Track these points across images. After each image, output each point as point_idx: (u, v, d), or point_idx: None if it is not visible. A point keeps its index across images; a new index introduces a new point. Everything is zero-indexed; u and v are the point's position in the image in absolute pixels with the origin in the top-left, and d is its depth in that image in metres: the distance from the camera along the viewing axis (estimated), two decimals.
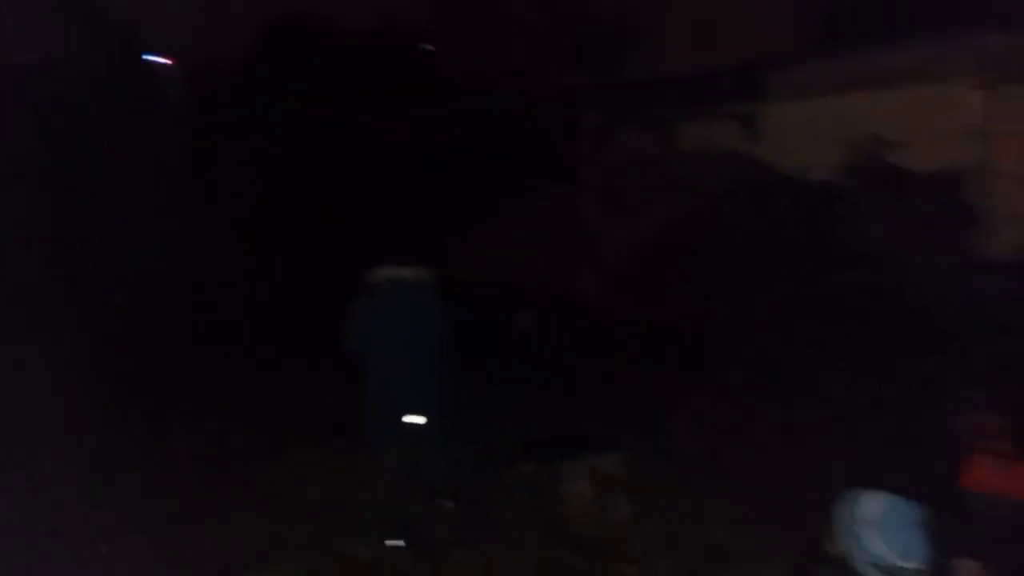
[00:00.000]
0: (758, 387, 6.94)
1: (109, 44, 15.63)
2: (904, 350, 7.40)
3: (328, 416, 6.49)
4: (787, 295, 9.30)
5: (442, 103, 15.76)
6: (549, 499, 4.82)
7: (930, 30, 10.48)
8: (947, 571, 2.26)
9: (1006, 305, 8.30)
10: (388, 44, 19.87)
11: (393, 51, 19.49)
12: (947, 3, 11.01)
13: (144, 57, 17.90)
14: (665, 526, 4.69)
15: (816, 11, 17.93)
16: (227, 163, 12.98)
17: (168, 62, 19.95)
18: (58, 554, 4.40)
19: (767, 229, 9.75)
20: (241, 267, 10.79)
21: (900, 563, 2.15)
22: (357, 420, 4.43)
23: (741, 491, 5.09)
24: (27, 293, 9.23)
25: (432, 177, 12.57)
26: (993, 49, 9.90)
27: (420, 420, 4.31)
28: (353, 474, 5.15)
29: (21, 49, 15.00)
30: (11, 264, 9.49)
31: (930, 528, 2.19)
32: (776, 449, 5.77)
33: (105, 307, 9.13)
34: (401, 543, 4.37)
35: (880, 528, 2.19)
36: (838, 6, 16.14)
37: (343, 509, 4.98)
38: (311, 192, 12.94)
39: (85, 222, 10.82)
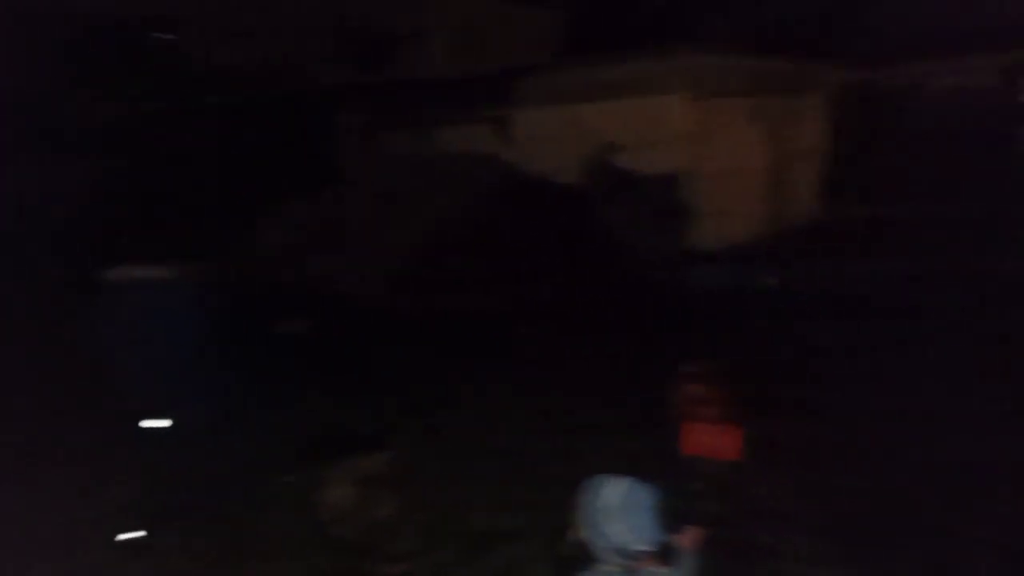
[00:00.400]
0: (517, 376, 7.52)
1: None
2: (638, 334, 8.43)
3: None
4: (540, 288, 10.10)
5: (194, 98, 14.85)
6: (313, 506, 4.92)
7: (649, 48, 11.85)
8: (672, 544, 2.37)
9: (716, 289, 9.77)
10: (131, 34, 18.22)
11: (137, 42, 17.93)
12: (662, 26, 12.54)
13: None
14: (431, 519, 4.97)
15: (559, 25, 19.45)
16: None
17: None
18: None
19: (518, 228, 10.50)
20: None
21: (635, 546, 2.25)
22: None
23: (506, 477, 5.51)
24: None
25: (188, 175, 11.89)
26: (699, 66, 11.46)
27: (164, 424, 4.24)
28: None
29: None
30: None
31: (663, 507, 2.31)
32: (534, 434, 6.30)
33: None
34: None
35: (617, 513, 2.27)
36: (578, 22, 17.57)
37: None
38: (47, 188, 11.65)
39: None
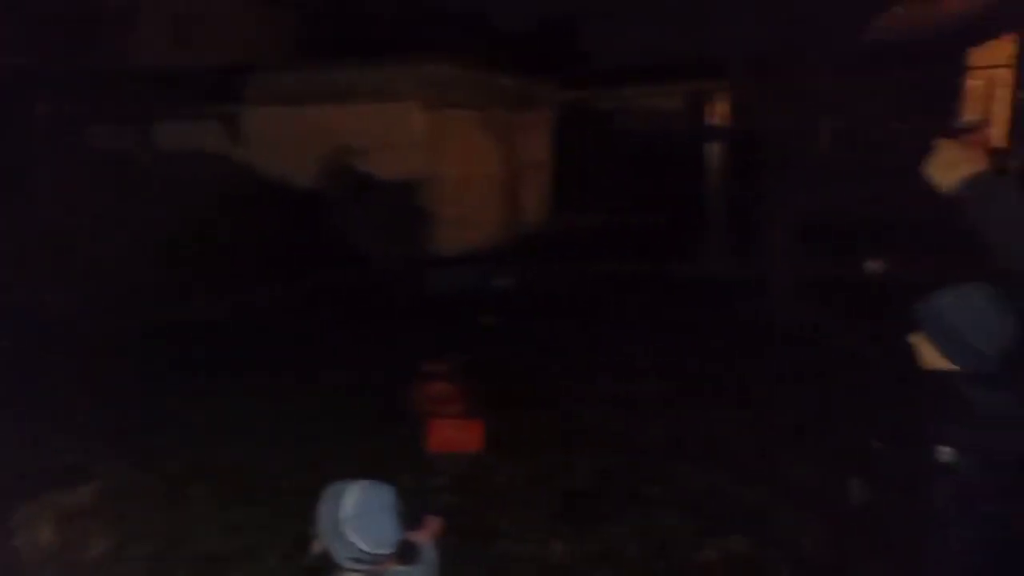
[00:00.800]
0: (242, 389, 7.09)
1: None
2: (375, 336, 8.42)
3: None
4: (271, 294, 9.69)
5: None
6: (10, 551, 4.26)
7: (387, 55, 11.95)
8: (411, 541, 2.36)
9: (453, 291, 10.07)
10: None
11: None
12: (400, 34, 12.69)
13: None
14: (154, 549, 4.54)
15: (296, 24, 18.84)
16: None
17: None
18: None
19: (254, 232, 9.97)
20: None
21: (374, 551, 2.22)
22: None
23: (230, 496, 5.18)
24: None
25: None
26: (434, 76, 11.77)
27: None
28: None
29: None
30: None
31: (402, 505, 2.31)
32: (267, 445, 5.98)
33: None
34: None
35: (355, 520, 2.22)
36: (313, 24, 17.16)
37: None
38: None
39: None
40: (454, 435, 5.42)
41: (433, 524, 2.60)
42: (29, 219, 10.05)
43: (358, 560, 2.23)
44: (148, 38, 15.98)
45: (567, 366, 7.52)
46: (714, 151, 12.73)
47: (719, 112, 13.42)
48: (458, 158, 11.76)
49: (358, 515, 2.23)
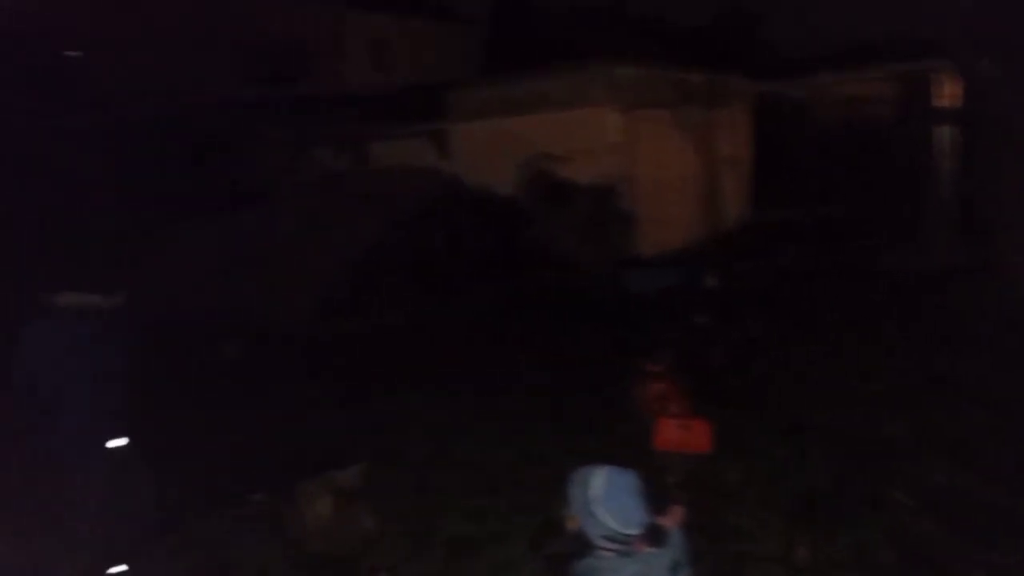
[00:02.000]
0: (471, 387, 7.52)
1: None
2: (583, 337, 8.59)
3: None
4: (483, 298, 10.16)
5: (109, 115, 14.22)
6: (288, 524, 4.81)
7: (573, 62, 12.16)
8: (659, 525, 2.46)
9: (657, 292, 10.05)
10: (37, 50, 17.28)
11: (45, 58, 17.03)
12: (585, 42, 12.89)
13: None
14: (411, 529, 4.95)
15: (477, 42, 19.74)
16: None
17: None
18: None
19: (462, 240, 10.55)
20: None
21: (624, 531, 2.36)
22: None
23: (476, 483, 5.53)
24: None
25: (107, 197, 11.35)
26: (625, 78, 11.82)
27: (118, 444, 4.13)
28: None
29: None
30: None
31: (644, 493, 2.42)
32: (496, 440, 6.32)
33: None
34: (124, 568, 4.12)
35: (605, 501, 2.36)
36: (499, 39, 17.87)
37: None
38: None
39: None
40: (682, 435, 5.42)
41: (677, 512, 2.66)
42: (265, 233, 11.30)
43: (610, 539, 2.35)
44: (354, 64, 17.44)
45: (787, 364, 7.29)
46: (931, 138, 11.77)
47: (937, 96, 12.38)
48: (655, 159, 11.73)
49: (607, 496, 2.37)
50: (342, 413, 7.11)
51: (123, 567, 4.17)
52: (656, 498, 2.53)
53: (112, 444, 4.15)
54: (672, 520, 2.60)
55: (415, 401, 7.21)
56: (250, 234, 11.04)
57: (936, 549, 4.31)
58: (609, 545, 2.37)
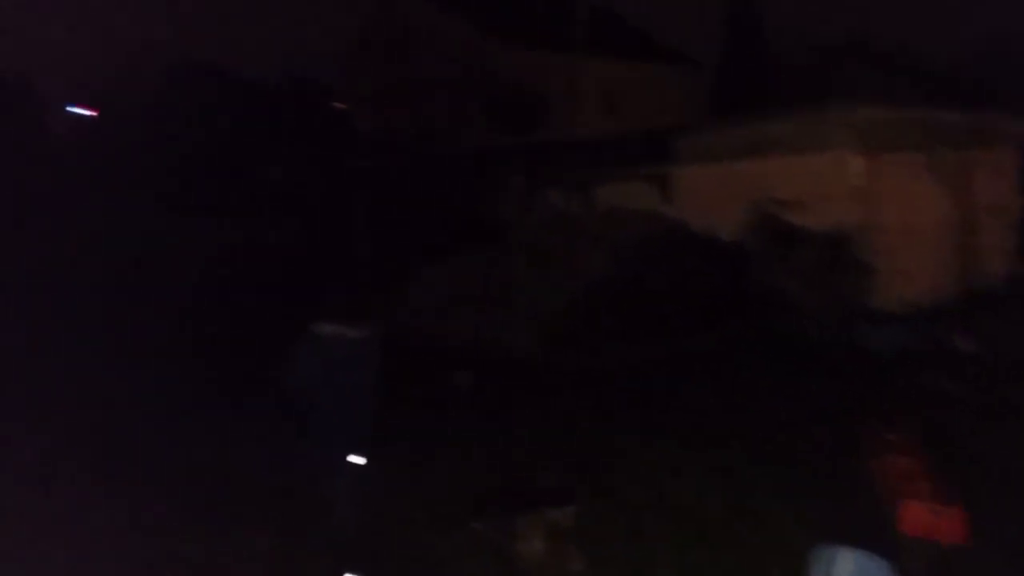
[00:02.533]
0: (688, 430, 7.39)
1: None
2: (811, 396, 8.09)
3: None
4: (706, 344, 9.96)
5: (366, 161, 16.03)
6: (503, 556, 4.99)
7: (812, 103, 11.66)
8: None
9: (896, 351, 9.24)
10: (305, 101, 19.98)
11: (312, 108, 19.62)
12: (823, 82, 12.32)
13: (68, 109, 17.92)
14: (620, 573, 4.96)
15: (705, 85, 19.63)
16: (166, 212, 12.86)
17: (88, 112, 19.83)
18: None
19: (684, 283, 10.47)
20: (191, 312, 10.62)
21: None
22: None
23: (688, 531, 5.42)
24: None
25: (361, 235, 12.77)
26: (867, 120, 11.12)
27: (359, 461, 4.53)
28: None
29: None
30: None
31: None
32: (711, 488, 6.14)
33: None
34: None
35: None
36: (729, 81, 17.65)
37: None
38: (241, 244, 12.88)
39: None
40: (932, 521, 4.77)
41: None
42: (499, 270, 12.00)
43: None
44: (585, 110, 18.08)
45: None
46: None
47: None
48: (900, 206, 10.86)
49: None
50: (559, 447, 7.30)
51: None
52: None
53: (354, 459, 4.58)
54: None
55: (631, 441, 7.23)
56: (486, 271, 11.83)
57: None
58: None
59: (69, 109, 20.03)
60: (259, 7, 56.22)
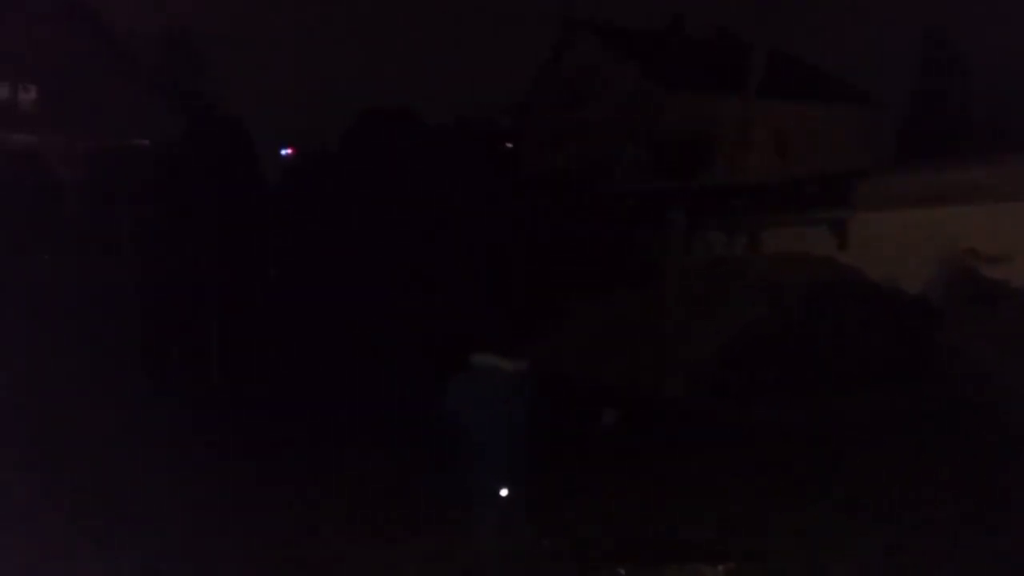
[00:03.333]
0: (855, 499, 6.77)
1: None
2: (995, 477, 7.15)
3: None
4: (879, 403, 9.15)
5: (528, 200, 16.41)
6: None
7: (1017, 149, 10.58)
8: None
9: None
10: (476, 141, 20.83)
11: (481, 148, 20.41)
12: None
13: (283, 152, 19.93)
14: None
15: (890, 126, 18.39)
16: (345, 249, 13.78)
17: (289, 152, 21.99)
18: None
19: (857, 336, 9.71)
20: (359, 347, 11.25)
21: None
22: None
23: None
24: None
25: (521, 272, 13.01)
26: None
27: (507, 494, 4.48)
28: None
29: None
30: None
31: None
32: (873, 568, 5.57)
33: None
34: None
35: None
36: (920, 122, 16.46)
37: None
38: (412, 280, 13.50)
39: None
40: None
41: None
42: (654, 311, 11.75)
43: None
44: (757, 151, 17.50)
45: None
46: None
47: None
48: None
49: None
50: (707, 499, 6.94)
51: None
52: None
53: (503, 492, 4.56)
54: None
55: (786, 501, 6.72)
56: (641, 310, 11.64)
57: None
58: None
59: (283, 152, 22.13)
60: (441, 57, 59.84)
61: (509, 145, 24.48)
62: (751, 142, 17.38)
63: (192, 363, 10.08)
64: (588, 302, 12.38)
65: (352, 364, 10.33)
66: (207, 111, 20.65)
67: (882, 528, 6.12)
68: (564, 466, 7.11)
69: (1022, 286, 9.71)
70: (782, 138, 19.64)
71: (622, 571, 5.11)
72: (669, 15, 25.01)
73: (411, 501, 6.36)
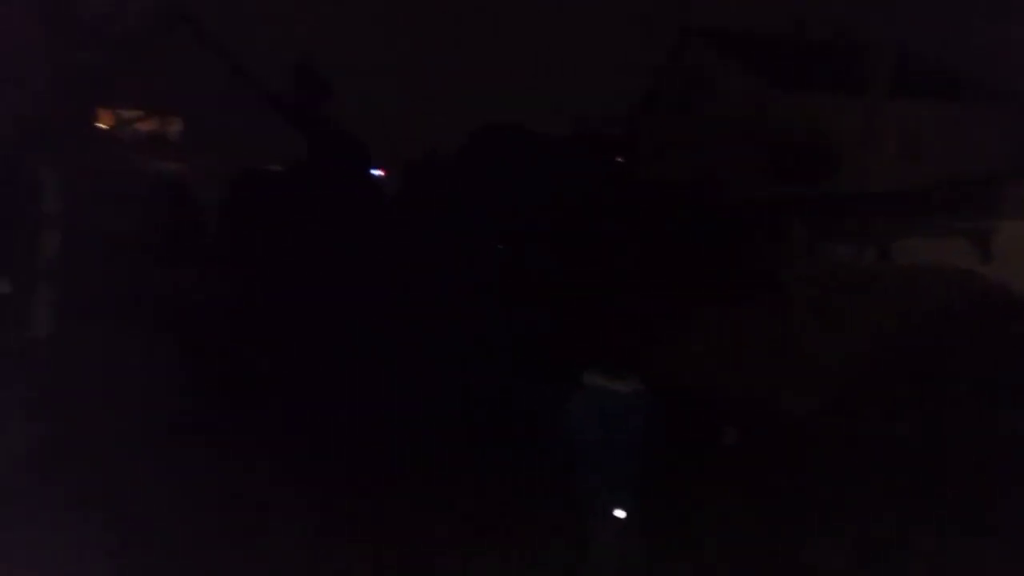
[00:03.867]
0: (994, 525, 6.31)
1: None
2: None
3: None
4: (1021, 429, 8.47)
5: (643, 212, 16.24)
6: None
7: None
8: None
9: None
10: (587, 154, 20.85)
11: (593, 158, 20.41)
12: None
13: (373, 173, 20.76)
14: None
15: None
16: (442, 271, 14.08)
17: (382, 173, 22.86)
18: None
19: (1003, 355, 9.03)
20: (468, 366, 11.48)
21: None
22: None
23: None
24: None
25: (637, 288, 12.89)
26: None
27: (623, 516, 4.46)
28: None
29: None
30: None
31: None
32: None
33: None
34: None
35: None
36: None
37: None
38: (523, 299, 13.63)
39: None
40: None
41: None
42: (775, 324, 11.36)
43: None
44: (882, 158, 16.59)
45: None
46: None
47: None
48: None
49: None
50: (838, 525, 6.64)
51: None
52: None
53: (619, 514, 4.56)
54: None
55: (926, 529, 6.35)
56: (763, 324, 11.30)
57: None
58: None
59: (376, 172, 22.98)
60: (552, 68, 60.29)
61: (620, 157, 24.38)
62: (879, 146, 16.49)
63: (319, 374, 10.56)
64: (705, 316, 12.11)
65: (465, 382, 10.52)
66: (330, 133, 21.77)
67: None
68: (682, 486, 7.01)
69: None
70: (914, 141, 18.54)
71: None
72: (789, 17, 24.21)
73: (528, 523, 6.43)
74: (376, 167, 22.94)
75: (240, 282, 14.03)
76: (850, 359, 10.32)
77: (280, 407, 9.36)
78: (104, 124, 19.77)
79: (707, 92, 21.85)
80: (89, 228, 10.23)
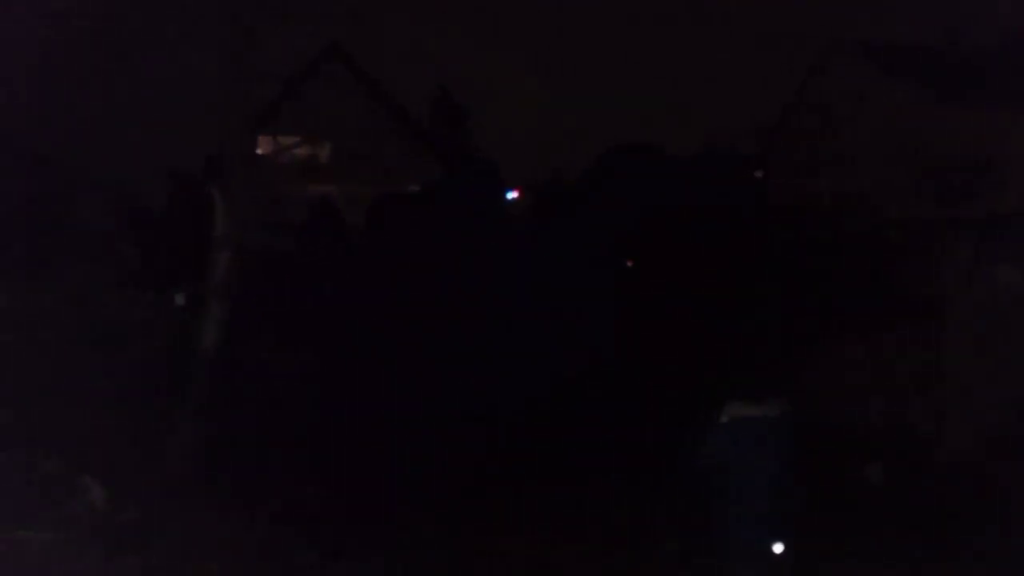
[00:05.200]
0: None
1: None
2: None
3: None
4: None
5: (788, 231, 15.67)
6: None
7: None
8: None
9: None
10: (724, 172, 20.32)
11: (730, 178, 19.88)
12: None
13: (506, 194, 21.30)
14: None
15: None
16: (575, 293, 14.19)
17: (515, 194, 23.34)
18: None
19: None
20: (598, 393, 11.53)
21: None
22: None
23: None
24: None
25: (777, 311, 12.44)
26: None
27: (779, 549, 4.33)
28: None
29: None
30: None
31: None
32: None
33: None
34: None
35: None
36: None
37: None
38: (660, 322, 13.45)
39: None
40: None
41: None
42: (930, 350, 10.63)
43: None
44: None
45: None
46: None
47: None
48: None
49: None
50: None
51: None
52: None
53: (776, 547, 4.43)
54: None
55: None
56: (913, 353, 10.64)
57: None
58: None
59: (510, 194, 23.51)
60: (690, 83, 59.26)
61: (759, 174, 23.58)
62: None
63: (463, 390, 10.87)
64: (852, 344, 11.51)
65: (603, 413, 10.49)
66: (467, 158, 22.57)
67: None
68: (823, 524, 6.75)
69: None
70: None
71: None
72: (944, 27, 22.69)
73: (675, 558, 6.43)
74: (511, 189, 23.43)
75: (382, 297, 14.76)
76: (1012, 394, 9.53)
77: (430, 421, 9.76)
78: (264, 150, 21.50)
79: (855, 106, 20.79)
80: (253, 247, 11.13)
